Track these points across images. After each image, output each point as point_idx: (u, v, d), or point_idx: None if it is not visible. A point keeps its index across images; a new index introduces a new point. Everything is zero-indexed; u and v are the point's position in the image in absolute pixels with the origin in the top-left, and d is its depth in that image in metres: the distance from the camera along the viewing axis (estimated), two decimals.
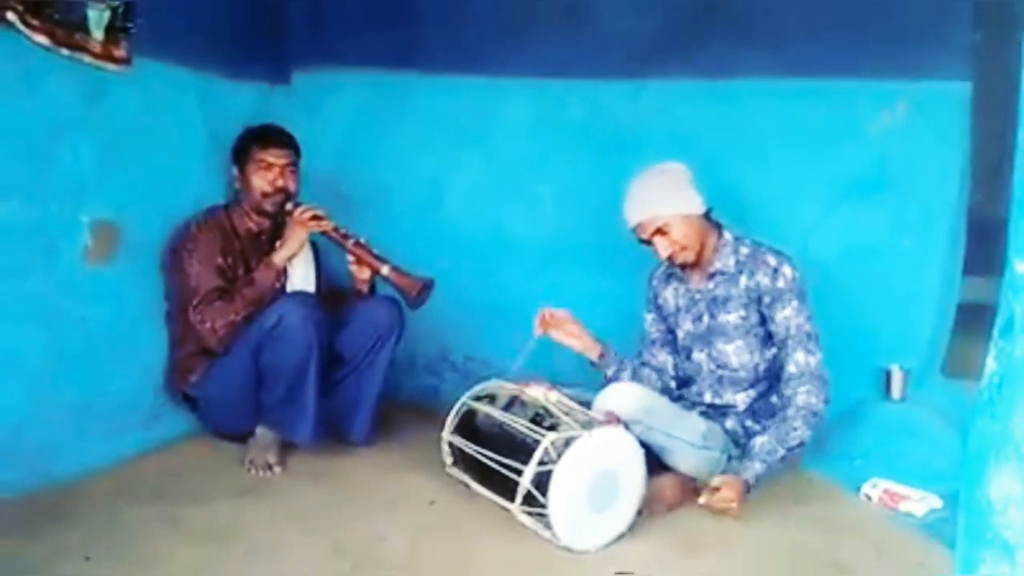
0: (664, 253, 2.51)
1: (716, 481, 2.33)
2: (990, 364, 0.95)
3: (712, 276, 2.57)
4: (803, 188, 3.19)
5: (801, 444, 2.41)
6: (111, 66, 2.62)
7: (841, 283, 3.06)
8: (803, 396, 2.40)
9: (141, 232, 2.78)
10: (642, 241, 2.55)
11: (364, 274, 2.87)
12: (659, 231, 2.49)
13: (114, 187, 2.67)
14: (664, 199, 2.49)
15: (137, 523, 2.17)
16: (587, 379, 2.70)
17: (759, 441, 2.38)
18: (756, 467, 2.34)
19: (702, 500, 2.31)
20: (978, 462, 0.95)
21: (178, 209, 2.88)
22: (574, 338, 2.65)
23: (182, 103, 2.98)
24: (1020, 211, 0.92)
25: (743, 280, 2.52)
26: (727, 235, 2.58)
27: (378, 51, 3.52)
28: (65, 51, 2.46)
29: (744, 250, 2.55)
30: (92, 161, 2.59)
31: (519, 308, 3.35)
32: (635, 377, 2.66)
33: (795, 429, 2.37)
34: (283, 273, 2.80)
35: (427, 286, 2.80)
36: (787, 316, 2.45)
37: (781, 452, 2.36)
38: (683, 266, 2.58)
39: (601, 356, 2.68)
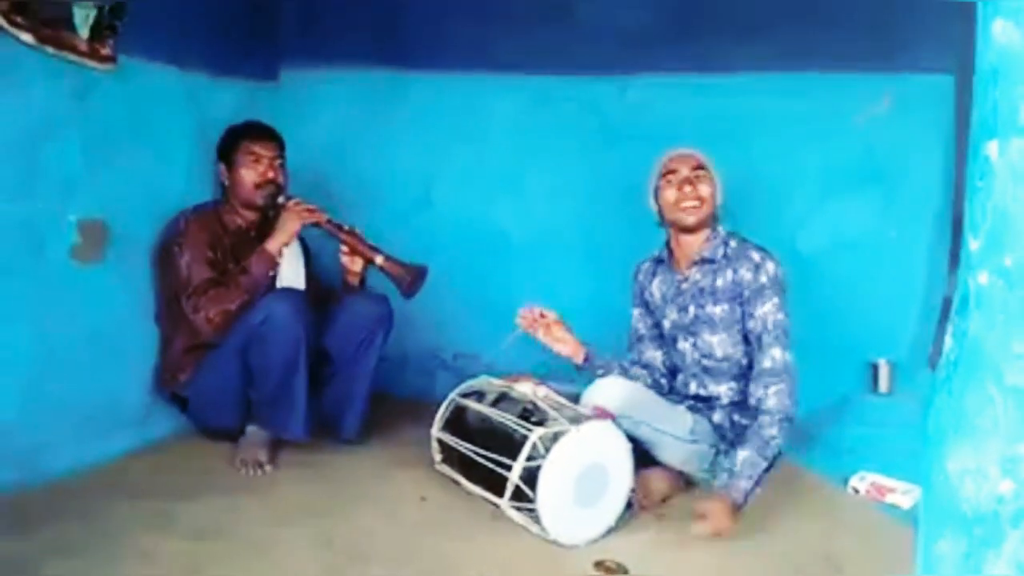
0: (687, 189, 2.51)
1: (701, 509, 2.25)
2: (947, 342, 0.98)
3: (699, 264, 2.58)
4: (790, 182, 3.21)
5: (780, 453, 2.41)
6: (97, 65, 2.61)
7: (828, 276, 3.08)
8: (774, 399, 2.37)
9: (129, 230, 2.77)
10: (666, 175, 2.55)
11: (356, 265, 2.87)
12: (698, 169, 2.53)
13: (102, 185, 2.66)
14: (712, 162, 2.58)
15: (129, 521, 2.17)
16: (576, 374, 2.71)
17: (741, 457, 2.32)
18: (743, 484, 2.29)
19: (694, 532, 2.21)
20: (937, 438, 0.97)
21: (166, 207, 2.87)
22: (560, 342, 2.62)
23: (169, 101, 2.97)
24: (973, 191, 0.94)
25: (728, 274, 2.53)
26: (720, 228, 2.60)
27: (366, 48, 3.52)
28: (51, 49, 2.45)
29: (732, 243, 2.57)
30: (79, 159, 2.58)
31: (509, 304, 3.35)
32: (624, 376, 2.64)
33: (773, 438, 2.33)
34: (276, 264, 2.81)
35: (420, 274, 2.81)
36: (766, 312, 2.45)
37: (764, 464, 2.32)
38: (685, 229, 2.57)
39: (585, 360, 2.65)
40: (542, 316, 2.61)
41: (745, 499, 2.28)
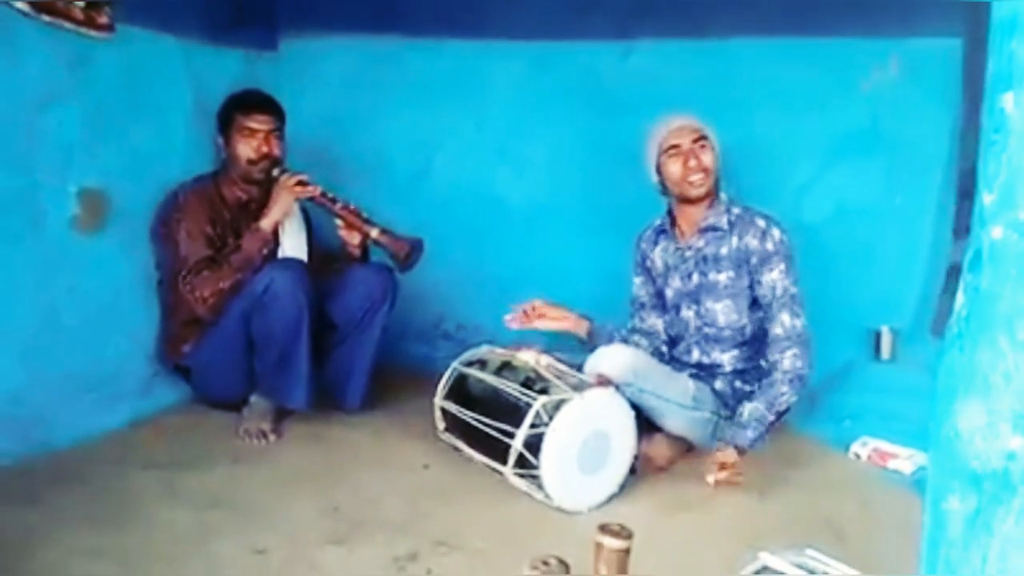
0: (692, 163, 2.49)
1: (719, 457, 2.32)
2: (959, 298, 0.97)
3: (704, 232, 2.57)
4: (794, 148, 3.19)
5: (788, 408, 2.44)
6: (94, 33, 2.59)
7: (832, 244, 3.07)
8: (789, 360, 2.41)
9: (130, 201, 2.77)
10: (668, 150, 2.51)
11: (354, 239, 2.85)
12: (699, 140, 2.50)
13: (101, 156, 2.65)
14: (709, 128, 2.54)
15: (134, 490, 2.18)
16: (579, 348, 2.70)
17: (748, 408, 2.39)
18: (748, 434, 2.35)
19: (711, 479, 2.29)
20: (947, 395, 0.97)
21: (166, 177, 2.85)
22: (558, 321, 2.66)
23: (167, 71, 2.95)
24: (988, 144, 0.93)
25: (733, 241, 2.52)
26: (723, 195, 2.60)
27: (365, 16, 3.48)
28: (47, 18, 2.43)
29: (736, 211, 2.56)
30: (78, 130, 2.57)
31: (510, 273, 3.38)
32: (626, 343, 2.64)
33: (783, 394, 2.39)
34: (272, 240, 2.79)
35: (415, 247, 2.79)
36: (774, 279, 2.46)
37: (771, 417, 2.38)
38: (691, 200, 2.56)
39: (588, 333, 2.69)
40: (533, 309, 2.64)
41: (750, 446, 2.34)
